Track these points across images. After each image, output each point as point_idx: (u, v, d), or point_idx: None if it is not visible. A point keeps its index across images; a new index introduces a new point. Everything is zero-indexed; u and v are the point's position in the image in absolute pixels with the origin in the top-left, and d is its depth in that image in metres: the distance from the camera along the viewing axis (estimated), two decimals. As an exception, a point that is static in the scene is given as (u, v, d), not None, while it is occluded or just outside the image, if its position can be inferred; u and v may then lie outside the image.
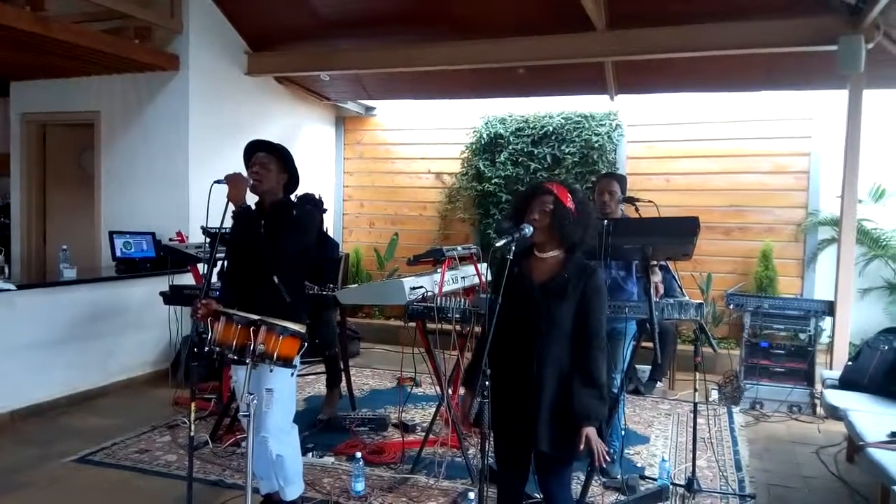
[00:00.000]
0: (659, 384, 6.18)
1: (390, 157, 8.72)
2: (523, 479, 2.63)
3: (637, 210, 4.33)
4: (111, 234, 6.07)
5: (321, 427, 4.76)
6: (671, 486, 3.80)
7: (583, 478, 3.56)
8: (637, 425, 5.11)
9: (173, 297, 5.14)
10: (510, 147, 7.82)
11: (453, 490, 3.79)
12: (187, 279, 5.62)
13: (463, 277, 4.55)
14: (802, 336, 5.75)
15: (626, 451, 4.34)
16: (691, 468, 3.89)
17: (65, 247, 5.53)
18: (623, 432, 4.12)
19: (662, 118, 7.51)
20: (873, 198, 6.68)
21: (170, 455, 4.32)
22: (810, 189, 7.03)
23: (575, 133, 7.57)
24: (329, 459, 4.21)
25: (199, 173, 6.36)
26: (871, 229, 6.63)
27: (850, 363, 4.75)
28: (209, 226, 4.22)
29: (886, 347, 4.52)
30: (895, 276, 6.64)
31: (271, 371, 2.95)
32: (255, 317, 2.81)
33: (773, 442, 4.85)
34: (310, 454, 4.18)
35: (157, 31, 6.30)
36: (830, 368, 5.37)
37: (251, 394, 2.77)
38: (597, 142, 7.48)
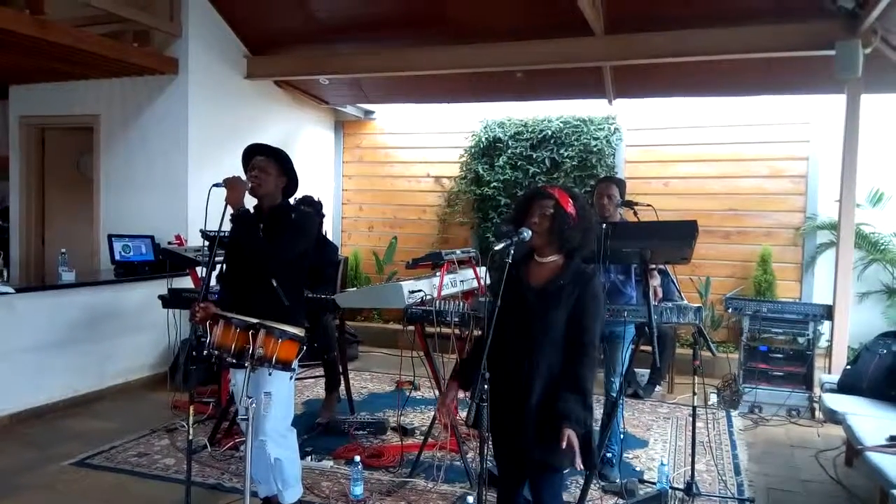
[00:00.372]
0: (658, 388, 6.18)
1: (389, 161, 8.73)
2: (523, 483, 2.62)
3: (636, 214, 4.34)
4: (110, 237, 6.07)
5: (320, 431, 4.76)
6: (670, 490, 3.79)
7: (581, 481, 3.55)
8: (636, 429, 5.11)
9: (172, 300, 5.13)
10: (509, 151, 7.83)
11: (452, 494, 3.79)
12: (186, 282, 5.62)
13: (462, 281, 4.56)
14: (801, 340, 5.75)
15: (624, 454, 4.34)
16: (690, 472, 3.89)
17: (63, 250, 5.53)
18: (622, 436, 4.12)
19: (661, 122, 7.52)
20: (871, 202, 6.70)
21: (168, 458, 4.31)
22: (809, 193, 7.04)
23: (573, 137, 7.58)
24: (328, 463, 4.21)
25: (198, 177, 6.36)
26: (870, 233, 6.64)
27: (848, 367, 4.76)
28: (208, 229, 4.22)
29: (885, 351, 4.52)
30: (893, 280, 6.65)
31: (270, 374, 2.95)
32: (254, 320, 2.81)
33: (772, 446, 4.85)
34: (308, 458, 4.18)
35: (157, 34, 6.30)
36: (829, 372, 5.37)
37: (250, 397, 2.77)
38: (595, 146, 7.49)
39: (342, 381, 5.28)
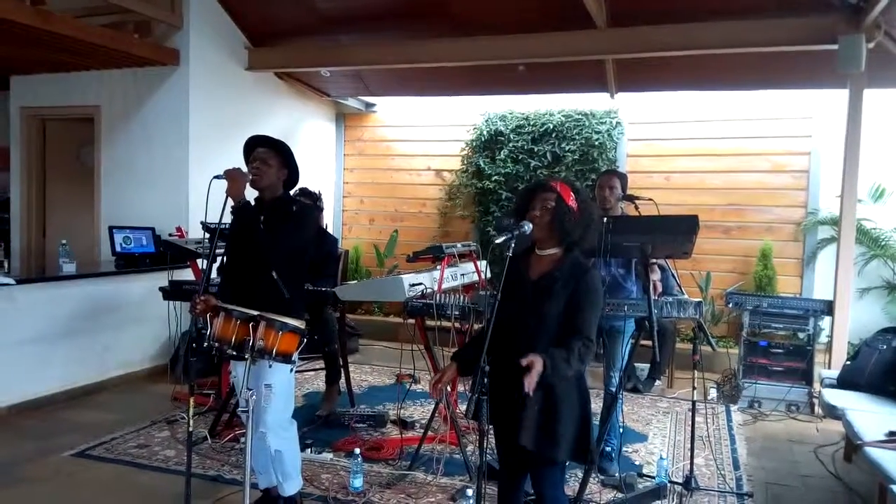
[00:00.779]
0: (657, 382, 6.19)
1: (390, 154, 8.72)
2: (523, 475, 2.63)
3: (637, 208, 4.33)
4: (111, 228, 6.07)
5: (320, 423, 4.77)
6: (669, 484, 3.80)
7: (581, 475, 3.56)
8: (635, 423, 5.12)
9: (172, 292, 5.14)
10: (510, 144, 7.82)
11: (451, 487, 3.80)
12: (187, 274, 5.62)
13: (462, 274, 4.56)
14: (801, 335, 5.76)
15: (623, 448, 4.35)
16: (689, 466, 3.89)
17: (64, 241, 5.52)
18: (621, 430, 4.12)
19: (663, 116, 7.50)
20: (873, 197, 6.69)
21: (168, 450, 4.32)
22: (810, 188, 7.03)
23: (575, 131, 7.57)
24: (327, 456, 4.22)
25: (198, 169, 6.35)
26: (871, 229, 6.63)
27: (848, 363, 4.76)
28: (209, 221, 4.22)
29: (885, 347, 4.52)
30: (894, 275, 6.65)
31: (270, 367, 2.95)
32: (255, 312, 2.81)
33: (771, 441, 4.86)
34: (308, 450, 4.19)
35: (158, 25, 6.29)
36: (829, 368, 5.38)
37: (250, 389, 2.77)
38: (597, 140, 7.48)
39: (342, 374, 5.29)
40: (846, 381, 4.59)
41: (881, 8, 4.70)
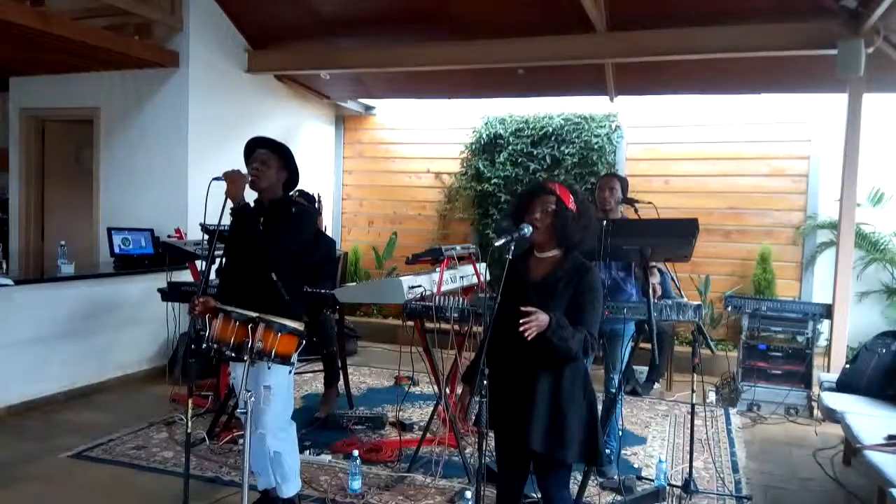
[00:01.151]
0: (656, 385, 6.19)
1: (390, 157, 8.72)
2: (523, 479, 2.62)
3: (636, 211, 4.34)
4: (109, 230, 6.06)
5: (318, 425, 4.76)
6: (668, 487, 3.80)
7: (580, 478, 3.56)
8: (634, 426, 5.11)
9: (171, 293, 5.13)
10: (510, 147, 7.82)
11: (450, 489, 3.79)
12: (185, 276, 5.62)
13: (461, 277, 4.56)
14: (800, 339, 5.76)
15: (623, 451, 4.34)
16: (688, 469, 3.89)
17: (63, 242, 5.51)
18: (620, 433, 4.12)
19: (662, 120, 7.51)
20: (872, 202, 6.70)
21: (167, 451, 4.31)
22: (809, 192, 7.04)
23: (574, 134, 7.58)
24: (326, 457, 4.21)
25: (198, 170, 6.35)
26: (870, 233, 6.64)
27: (847, 366, 4.75)
28: (208, 223, 4.22)
29: (884, 351, 4.52)
30: (893, 279, 6.66)
31: (269, 368, 2.95)
32: (254, 314, 2.80)
33: (770, 444, 4.86)
34: (307, 452, 4.18)
35: (157, 27, 6.29)
36: (828, 371, 5.38)
37: (248, 391, 2.76)
38: (596, 143, 7.48)
39: (341, 376, 5.28)
40: (845, 385, 4.59)
41: (880, 13, 4.71)
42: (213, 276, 4.12)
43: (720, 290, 7.02)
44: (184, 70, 6.36)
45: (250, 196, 3.19)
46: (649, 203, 4.35)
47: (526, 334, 2.24)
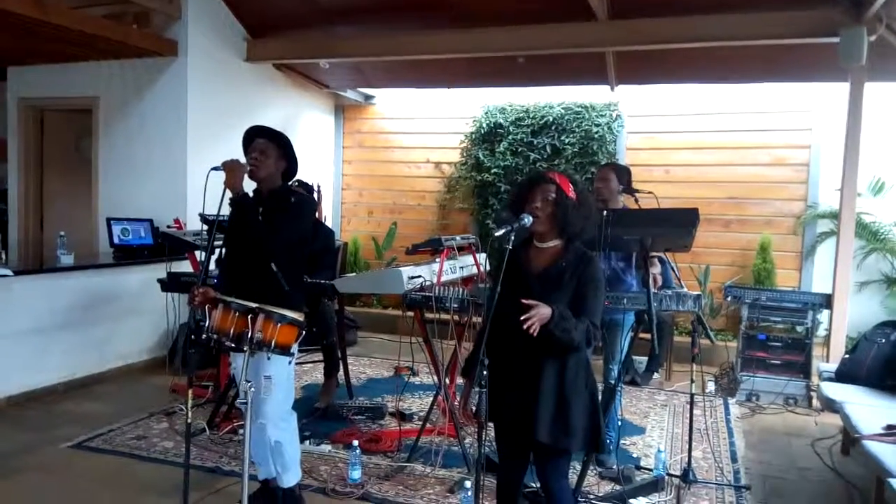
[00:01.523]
0: (655, 375, 6.19)
1: (389, 146, 8.70)
2: (522, 469, 2.63)
3: (637, 201, 4.34)
4: (109, 220, 6.05)
5: (318, 415, 4.77)
6: (667, 477, 3.81)
7: (579, 467, 3.56)
8: (633, 416, 5.12)
9: (171, 284, 5.13)
10: (510, 137, 7.80)
11: (450, 479, 3.80)
12: (185, 266, 5.61)
13: (461, 267, 4.55)
14: (800, 329, 5.76)
15: (622, 441, 4.35)
16: (687, 459, 3.90)
17: (62, 233, 5.51)
18: (619, 423, 4.13)
19: (663, 109, 7.48)
20: (872, 191, 6.68)
21: (167, 442, 4.32)
22: (810, 182, 7.02)
23: (575, 123, 7.55)
24: (326, 447, 4.22)
25: (197, 160, 6.33)
26: (870, 223, 6.63)
27: (846, 356, 4.76)
28: (207, 213, 4.21)
29: (883, 341, 4.52)
30: (893, 269, 6.65)
31: (269, 359, 2.94)
32: (253, 304, 2.80)
33: (769, 434, 4.87)
34: (307, 442, 4.19)
35: (156, 16, 6.25)
36: (827, 361, 5.39)
37: (248, 381, 2.76)
38: (597, 132, 7.46)
39: (341, 366, 5.29)
40: (844, 375, 4.60)
41: (882, 1, 4.68)
42: (212, 266, 4.11)
43: (720, 279, 7.01)
44: (182, 59, 6.33)
45: (249, 186, 3.18)
46: (650, 193, 4.34)
47: (531, 329, 2.24)
